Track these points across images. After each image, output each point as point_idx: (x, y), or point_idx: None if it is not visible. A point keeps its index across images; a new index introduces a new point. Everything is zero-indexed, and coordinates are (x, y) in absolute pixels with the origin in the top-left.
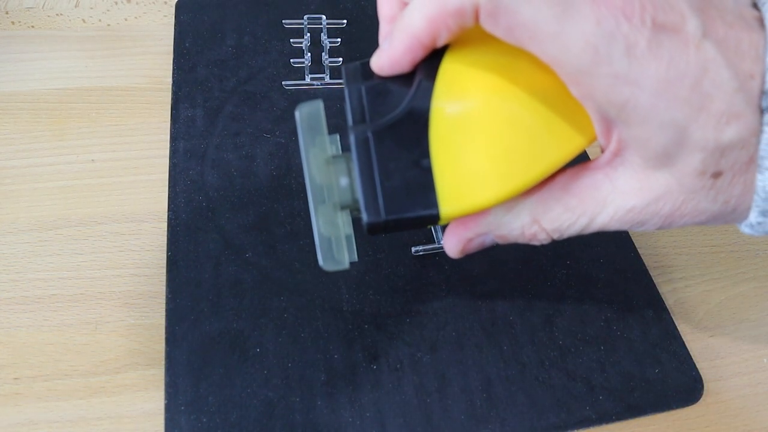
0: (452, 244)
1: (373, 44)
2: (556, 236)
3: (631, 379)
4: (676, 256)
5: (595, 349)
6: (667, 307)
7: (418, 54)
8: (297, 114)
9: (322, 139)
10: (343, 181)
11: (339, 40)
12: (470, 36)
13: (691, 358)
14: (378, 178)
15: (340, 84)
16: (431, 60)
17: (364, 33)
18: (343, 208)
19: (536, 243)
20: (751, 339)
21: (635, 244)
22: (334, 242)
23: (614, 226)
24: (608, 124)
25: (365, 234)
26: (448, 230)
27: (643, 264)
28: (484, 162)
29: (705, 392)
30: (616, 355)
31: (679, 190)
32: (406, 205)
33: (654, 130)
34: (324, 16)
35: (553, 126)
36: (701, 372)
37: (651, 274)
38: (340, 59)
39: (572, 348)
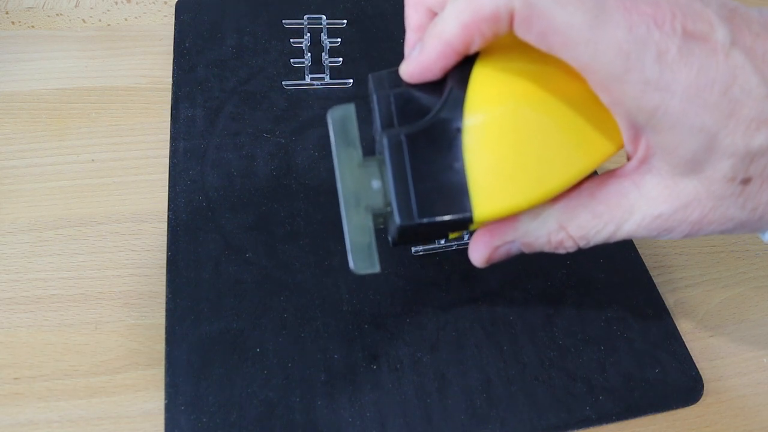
0: (479, 252)
1: (373, 44)
2: (582, 244)
3: (631, 379)
4: (676, 256)
5: (595, 349)
6: (667, 307)
7: (450, 61)
8: (329, 117)
9: (354, 142)
10: (375, 184)
11: (339, 40)
12: (500, 44)
13: (691, 358)
14: (411, 181)
15: (340, 84)
16: (462, 67)
17: (364, 33)
18: (374, 212)
19: (562, 251)
20: (751, 339)
21: (635, 244)
22: (365, 246)
23: (641, 233)
24: (637, 131)
25: (390, 247)
26: (474, 238)
27: (643, 264)
28: (515, 167)
29: (705, 392)
30: (616, 355)
31: (708, 196)
32: (440, 207)
33: (683, 136)
34: (324, 16)
35: (582, 133)
36: (701, 372)
37: (651, 274)
38: (340, 59)
39: (572, 348)
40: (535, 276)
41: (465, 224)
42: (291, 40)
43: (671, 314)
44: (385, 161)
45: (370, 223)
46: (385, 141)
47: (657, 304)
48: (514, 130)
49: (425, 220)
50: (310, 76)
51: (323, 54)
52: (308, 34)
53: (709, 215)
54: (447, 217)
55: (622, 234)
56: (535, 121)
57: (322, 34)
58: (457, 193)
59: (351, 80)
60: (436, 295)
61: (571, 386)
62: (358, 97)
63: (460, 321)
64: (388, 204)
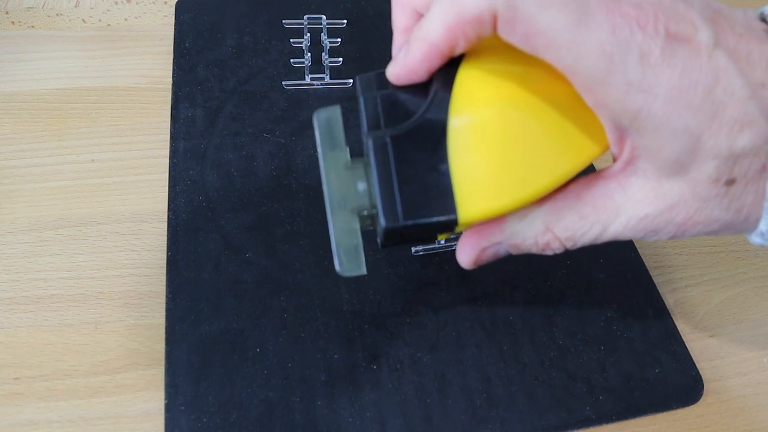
0: (466, 254)
1: (373, 44)
2: (569, 245)
3: (631, 379)
4: (676, 256)
5: (595, 349)
6: (667, 307)
7: (436, 63)
8: (315, 119)
9: (340, 144)
10: (361, 185)
11: (339, 40)
12: (485, 45)
13: (691, 358)
14: (396, 183)
15: (340, 84)
16: (447, 69)
17: (364, 33)
18: (360, 213)
19: (549, 252)
20: (751, 339)
21: (635, 244)
22: (351, 248)
23: (628, 234)
24: (621, 133)
25: (378, 248)
26: (461, 240)
27: (643, 264)
28: (500, 169)
29: (705, 392)
30: (616, 355)
31: (693, 198)
32: (425, 209)
33: (667, 138)
34: (324, 16)
35: (567, 134)
36: (701, 372)
37: (651, 274)
38: (340, 59)
39: (572, 348)
40: (535, 276)
41: (450, 226)
42: (291, 40)
43: (671, 314)
44: (370, 163)
45: (356, 225)
46: (370, 143)
47: (657, 304)
48: (499, 132)
49: (410, 222)
50: (310, 76)
51: (323, 54)
52: (308, 34)
53: (695, 216)
54: (432, 219)
55: (608, 235)
56: (520, 123)
57: (322, 34)
58: (442, 195)
59: (351, 80)
60: (436, 295)
61: (571, 386)
62: (357, 97)
63: (460, 321)
64: (374, 206)
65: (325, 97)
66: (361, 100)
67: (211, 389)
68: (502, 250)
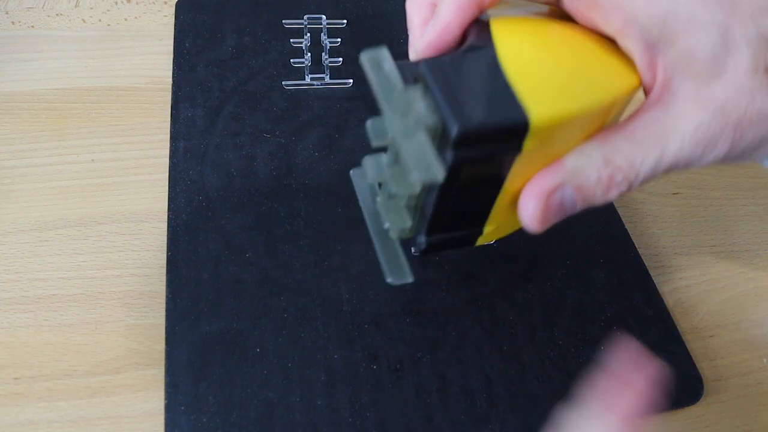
0: (533, 205)
1: (373, 44)
2: (632, 176)
3: None
4: (676, 256)
5: (595, 349)
6: (667, 307)
7: (469, 12)
8: (363, 58)
9: (393, 74)
10: (421, 105)
11: (339, 40)
12: (506, 20)
13: (691, 358)
14: (459, 94)
15: (340, 84)
16: (479, 29)
17: (364, 33)
18: (428, 129)
19: (615, 191)
20: (751, 339)
21: (635, 244)
22: (397, 257)
23: (687, 152)
24: (652, 54)
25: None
26: (523, 196)
27: (643, 264)
28: (557, 81)
29: (705, 392)
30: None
31: (738, 93)
32: (493, 113)
33: (699, 34)
34: (324, 16)
35: (605, 65)
36: (701, 372)
37: (651, 274)
38: (340, 59)
39: (572, 348)
40: (535, 276)
41: (523, 130)
42: (291, 40)
43: (671, 314)
44: (429, 83)
45: (395, 237)
46: (423, 65)
47: (657, 304)
48: (547, 56)
49: (486, 121)
50: (310, 76)
51: (323, 54)
52: (308, 34)
53: (747, 114)
54: (505, 121)
55: (668, 159)
56: (563, 52)
57: (322, 34)
58: (507, 103)
59: (351, 80)
60: (436, 295)
61: (571, 386)
62: (358, 97)
63: (460, 321)
64: (438, 125)
65: (325, 97)
66: (390, 64)
67: (211, 389)
68: (568, 195)
